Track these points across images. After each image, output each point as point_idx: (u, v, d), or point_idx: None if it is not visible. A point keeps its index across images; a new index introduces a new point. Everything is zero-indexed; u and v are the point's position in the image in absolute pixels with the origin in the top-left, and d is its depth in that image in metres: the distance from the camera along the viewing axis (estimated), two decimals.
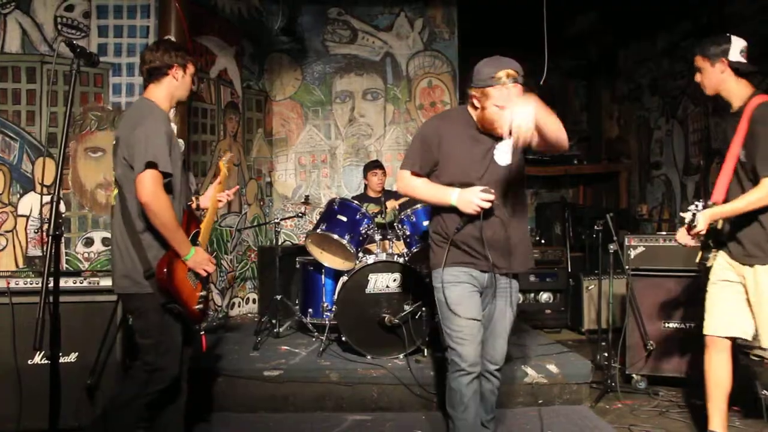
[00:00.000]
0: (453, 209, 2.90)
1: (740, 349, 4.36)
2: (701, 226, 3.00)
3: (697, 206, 3.04)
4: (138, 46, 5.24)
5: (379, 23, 7.29)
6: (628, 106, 8.14)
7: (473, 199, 2.80)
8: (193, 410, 3.91)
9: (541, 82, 5.53)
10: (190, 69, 3.03)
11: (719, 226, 3.22)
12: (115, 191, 2.85)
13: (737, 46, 3.12)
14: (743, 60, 3.12)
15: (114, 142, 2.84)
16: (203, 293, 2.93)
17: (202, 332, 2.96)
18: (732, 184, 3.15)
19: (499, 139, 2.90)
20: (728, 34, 3.16)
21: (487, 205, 2.80)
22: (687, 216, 3.03)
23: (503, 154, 2.96)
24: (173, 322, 2.84)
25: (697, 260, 3.37)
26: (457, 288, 2.96)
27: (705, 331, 3.33)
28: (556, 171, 8.33)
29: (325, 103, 7.25)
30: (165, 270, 2.71)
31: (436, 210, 3.09)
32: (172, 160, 2.78)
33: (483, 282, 2.99)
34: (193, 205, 3.18)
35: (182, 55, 2.98)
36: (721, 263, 3.30)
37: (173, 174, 2.76)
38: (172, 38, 4.77)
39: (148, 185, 2.65)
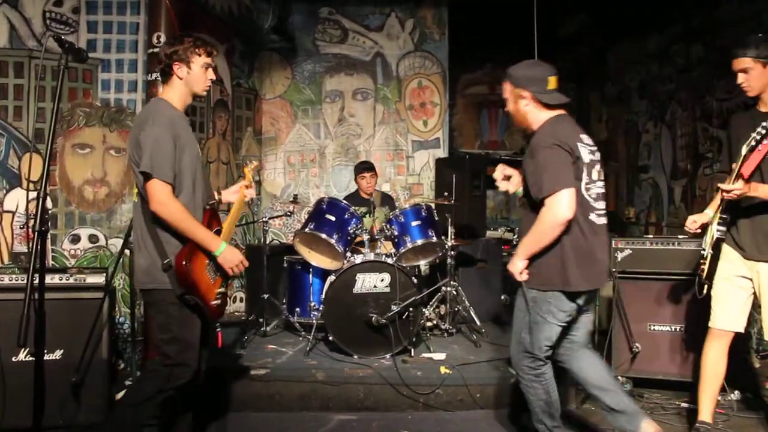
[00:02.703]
0: None
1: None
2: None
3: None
4: (127, 42, 5.22)
5: (370, 23, 7.29)
6: (617, 109, 8.17)
7: None
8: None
9: None
10: (198, 61, 2.89)
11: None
12: (136, 188, 2.86)
13: None
14: None
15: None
16: (221, 289, 2.93)
17: (219, 329, 2.96)
18: (755, 175, 3.16)
19: None
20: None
21: None
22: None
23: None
24: (192, 317, 2.84)
25: (709, 246, 3.38)
26: None
27: (713, 325, 3.41)
28: None
29: (314, 102, 7.25)
30: (184, 262, 2.71)
31: None
32: (183, 163, 2.78)
33: None
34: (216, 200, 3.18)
35: (183, 50, 2.86)
36: (731, 259, 3.37)
37: (173, 183, 2.73)
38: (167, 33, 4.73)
39: (155, 195, 2.69)
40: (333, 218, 4.68)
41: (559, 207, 2.78)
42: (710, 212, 3.53)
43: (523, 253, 2.95)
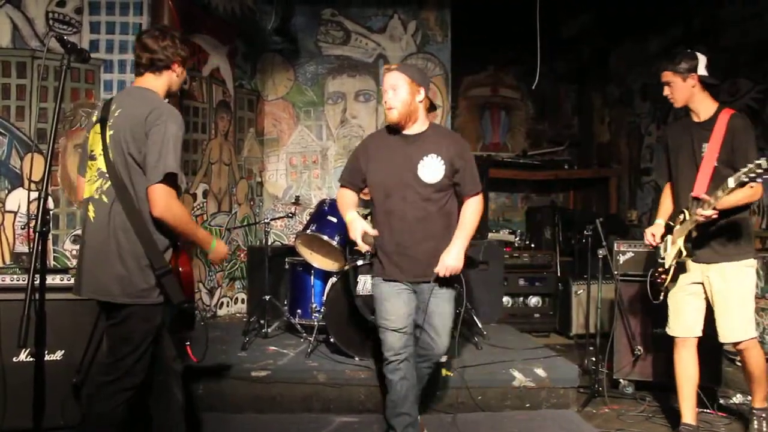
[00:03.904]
0: None
1: (726, 355, 4.40)
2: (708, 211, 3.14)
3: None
4: (130, 43, 5.20)
5: (373, 25, 7.29)
6: (619, 111, 8.16)
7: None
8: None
9: (533, 87, 5.57)
10: (185, 66, 2.92)
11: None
12: (102, 183, 2.64)
13: (703, 62, 3.37)
14: (707, 74, 3.37)
15: (104, 131, 2.66)
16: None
17: (188, 343, 2.88)
18: (711, 185, 3.26)
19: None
20: (691, 51, 3.42)
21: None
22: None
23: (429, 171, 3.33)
24: (155, 329, 2.69)
25: (671, 260, 3.47)
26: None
27: (674, 334, 3.57)
28: (546, 175, 8.35)
29: (317, 103, 7.24)
30: (189, 268, 2.67)
31: None
32: None
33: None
34: None
35: (184, 48, 2.84)
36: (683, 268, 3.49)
37: (181, 188, 2.67)
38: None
39: (162, 200, 2.51)
40: (335, 220, 4.67)
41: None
42: (662, 222, 3.64)
43: (465, 245, 3.33)
